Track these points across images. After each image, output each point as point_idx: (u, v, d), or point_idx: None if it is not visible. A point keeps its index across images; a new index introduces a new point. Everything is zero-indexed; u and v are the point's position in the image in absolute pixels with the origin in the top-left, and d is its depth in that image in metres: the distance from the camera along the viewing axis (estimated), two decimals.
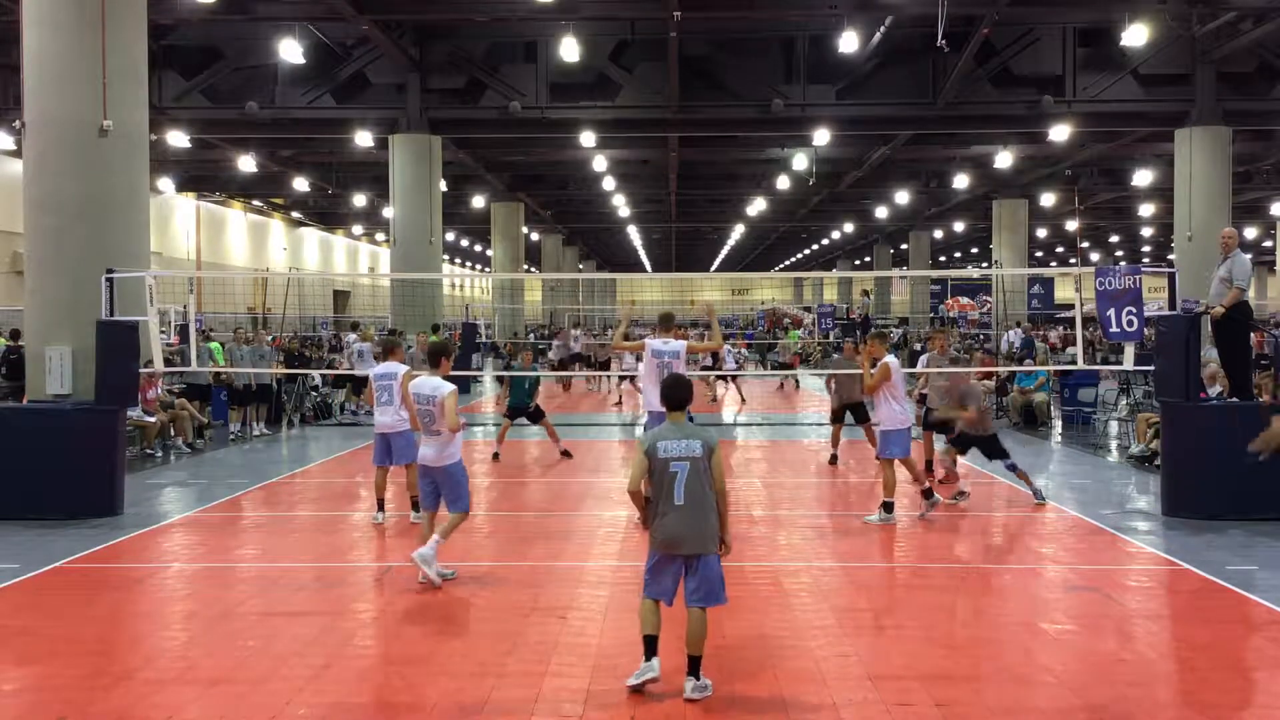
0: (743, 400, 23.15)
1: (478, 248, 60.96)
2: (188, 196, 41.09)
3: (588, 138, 25.15)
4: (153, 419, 14.96)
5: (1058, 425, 18.60)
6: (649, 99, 23.15)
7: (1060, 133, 24.27)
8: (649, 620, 5.68)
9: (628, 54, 23.08)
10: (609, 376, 26.58)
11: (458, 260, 70.76)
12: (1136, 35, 19.76)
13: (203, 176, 36.97)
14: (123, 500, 10.74)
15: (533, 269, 57.20)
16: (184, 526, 10.28)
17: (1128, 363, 12.20)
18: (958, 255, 69.84)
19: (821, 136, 25.07)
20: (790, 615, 7.17)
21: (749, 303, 69.32)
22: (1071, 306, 15.56)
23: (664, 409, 5.91)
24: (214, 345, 18.79)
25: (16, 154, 23.37)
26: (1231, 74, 22.67)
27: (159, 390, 15.48)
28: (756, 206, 41.97)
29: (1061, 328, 33.90)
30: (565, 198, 42.15)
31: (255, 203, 45.70)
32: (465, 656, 6.31)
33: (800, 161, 29.24)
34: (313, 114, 23.72)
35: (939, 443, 12.39)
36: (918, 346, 27.89)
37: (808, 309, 50.40)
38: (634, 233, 57.15)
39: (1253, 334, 14.89)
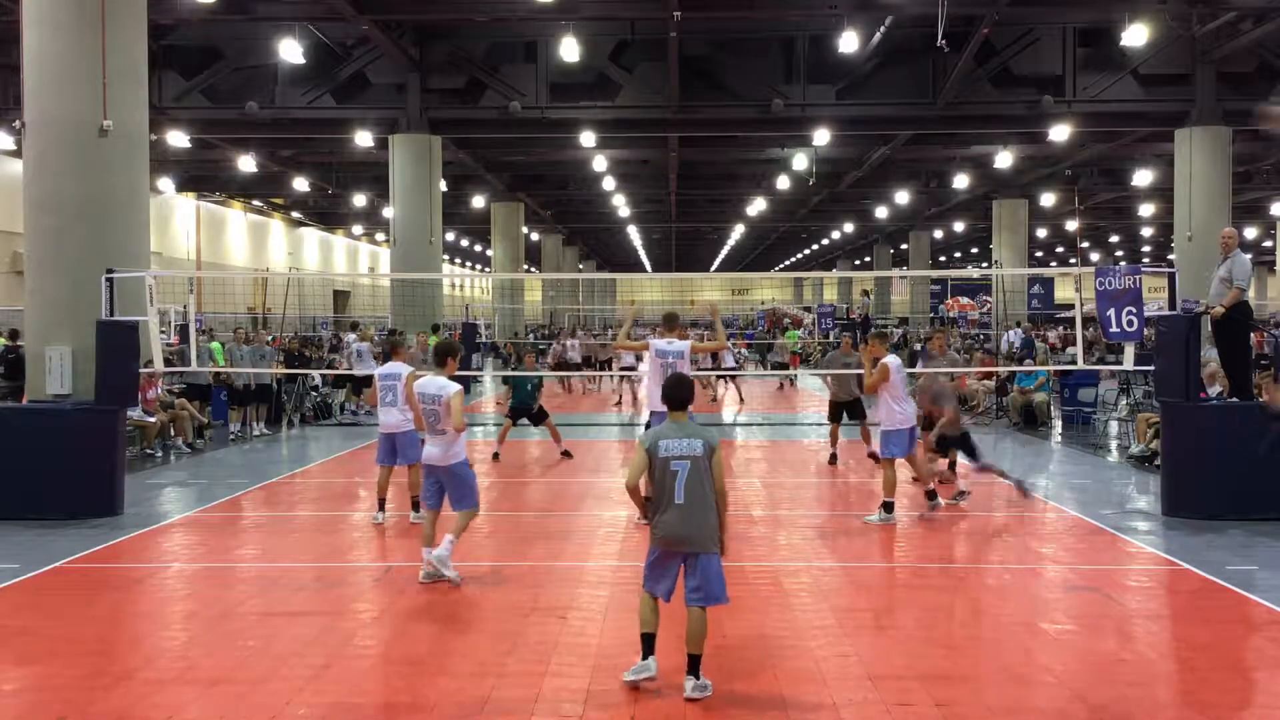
0: (741, 400, 23.20)
1: (478, 248, 60.96)
2: (188, 196, 41.09)
3: (588, 138, 25.15)
4: (153, 419, 14.96)
5: (1058, 425, 18.60)
6: (649, 99, 23.15)
7: (1060, 133, 24.27)
8: (647, 618, 5.72)
9: (628, 54, 23.08)
10: (611, 376, 26.58)
11: (458, 260, 70.75)
12: (1136, 35, 19.76)
13: (203, 176, 36.97)
14: (123, 500, 10.74)
15: (533, 269, 57.20)
16: (184, 526, 10.28)
17: (1128, 363, 12.21)
18: (958, 255, 69.84)
19: (821, 136, 25.07)
20: (790, 615, 7.17)
21: (749, 303, 69.33)
22: (1071, 306, 15.56)
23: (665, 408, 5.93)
24: (215, 345, 18.80)
25: (16, 154, 23.37)
26: (1231, 74, 22.66)
27: (159, 390, 15.48)
28: (756, 206, 41.97)
29: (1061, 328, 33.90)
30: (565, 198, 42.15)
31: (255, 203, 45.70)
32: (465, 656, 6.32)
33: (800, 161, 29.24)
34: (313, 114, 23.72)
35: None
36: (918, 346, 27.90)
37: (808, 309, 50.37)
38: (634, 233, 57.15)
39: (1253, 334, 14.88)
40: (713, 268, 75.37)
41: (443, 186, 27.27)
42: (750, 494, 12.02)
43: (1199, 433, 10.33)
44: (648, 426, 9.94)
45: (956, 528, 10.15)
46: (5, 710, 5.50)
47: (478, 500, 8.13)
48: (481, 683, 5.80)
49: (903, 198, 40.35)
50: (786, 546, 9.38)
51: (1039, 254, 63.44)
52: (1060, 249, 65.08)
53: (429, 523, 8.08)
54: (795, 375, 29.56)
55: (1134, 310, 10.59)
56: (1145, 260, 65.14)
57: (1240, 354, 11.37)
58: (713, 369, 22.38)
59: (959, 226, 49.19)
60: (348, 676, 5.98)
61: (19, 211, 13.32)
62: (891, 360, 10.19)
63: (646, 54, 22.83)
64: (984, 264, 57.97)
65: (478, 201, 39.12)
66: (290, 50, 20.52)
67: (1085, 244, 58.82)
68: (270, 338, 23.04)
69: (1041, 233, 51.97)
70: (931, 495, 10.51)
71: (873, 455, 14.06)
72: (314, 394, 20.43)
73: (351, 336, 24.05)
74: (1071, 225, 45.81)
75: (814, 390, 26.81)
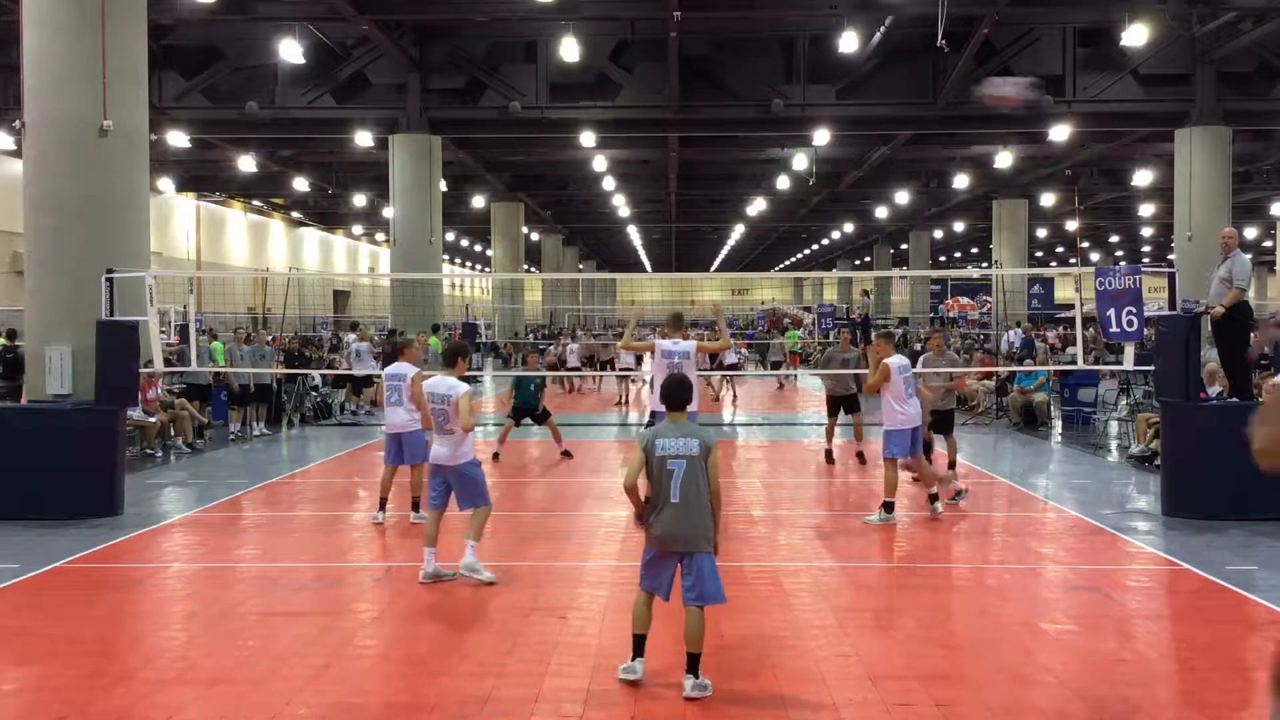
0: (735, 397, 23.31)
1: (478, 248, 60.96)
2: (188, 196, 41.09)
3: (588, 138, 25.15)
4: (153, 419, 14.96)
5: (1058, 425, 18.60)
6: (649, 99, 23.15)
7: (1060, 133, 24.28)
8: (640, 618, 5.75)
9: (628, 54, 23.08)
10: (615, 376, 26.57)
11: (458, 260, 70.75)
12: (1136, 35, 19.76)
13: (203, 176, 36.97)
14: (123, 500, 10.74)
15: (533, 269, 57.20)
16: (184, 526, 10.28)
17: (1128, 363, 12.21)
18: (958, 255, 69.85)
19: (821, 136, 25.07)
20: (790, 615, 7.17)
21: (749, 303, 69.36)
22: (1071, 306, 15.56)
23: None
24: (217, 345, 18.79)
25: (16, 154, 23.37)
26: (1231, 74, 22.67)
27: (159, 390, 15.48)
28: (756, 206, 41.97)
29: (1061, 328, 33.89)
30: (565, 198, 42.15)
31: (255, 203, 45.70)
32: (465, 656, 6.32)
33: (800, 161, 29.23)
34: (313, 114, 23.72)
35: (939, 444, 12.42)
36: (918, 346, 27.88)
37: (808, 309, 50.37)
38: (634, 233, 57.15)
39: (1252, 334, 14.87)
40: (713, 268, 75.38)
41: (443, 186, 27.28)
42: (750, 494, 12.02)
43: (1199, 433, 10.33)
44: (649, 425, 9.93)
45: (956, 528, 10.15)
46: (5, 710, 5.50)
47: (489, 497, 8.14)
48: (481, 682, 5.81)
49: (903, 198, 40.36)
50: (786, 546, 9.38)
51: (1039, 254, 63.45)
52: (1060, 249, 65.08)
53: (432, 522, 8.07)
54: (795, 375, 29.56)
55: (1134, 310, 10.60)
56: (1145, 260, 65.15)
57: (1240, 354, 11.37)
58: (713, 369, 22.42)
59: (959, 226, 49.19)
60: (348, 676, 5.98)
61: (19, 211, 13.32)
62: (894, 361, 10.19)
63: (646, 54, 22.84)
64: (984, 264, 57.98)
65: (478, 201, 39.12)
66: (290, 50, 20.52)
67: (1085, 244, 58.83)
68: (270, 338, 23.04)
69: (1041, 233, 51.98)
70: (934, 499, 10.51)
71: (859, 455, 14.10)
72: (314, 394, 20.44)
73: (351, 336, 24.06)
74: (1071, 225, 45.82)
75: (814, 390, 26.80)
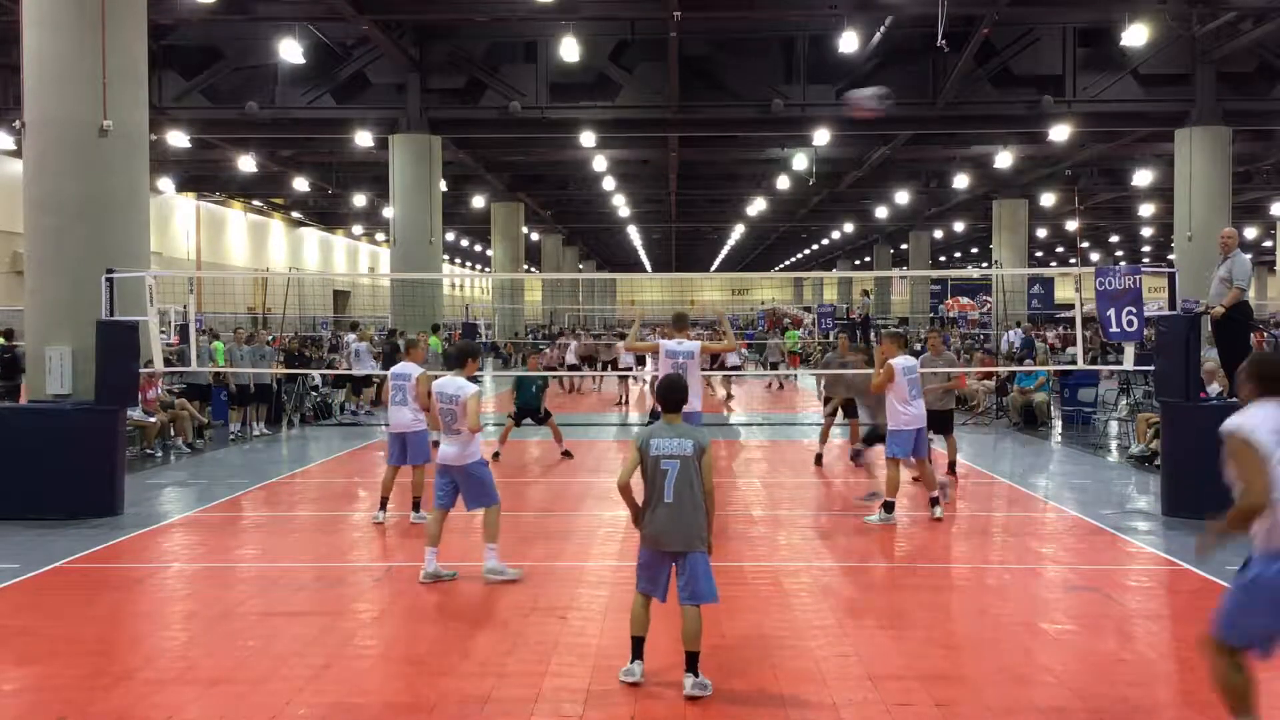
0: (729, 396, 23.37)
1: (478, 248, 60.97)
2: (188, 196, 41.09)
3: (588, 138, 25.15)
4: (153, 419, 14.96)
5: (1058, 425, 18.60)
6: (649, 99, 23.16)
7: (1060, 133, 24.28)
8: (638, 620, 5.76)
9: (628, 54, 23.09)
10: (615, 376, 26.56)
11: (458, 260, 70.76)
12: (1136, 35, 19.76)
13: (203, 176, 36.98)
14: (123, 500, 10.74)
15: (533, 269, 57.20)
16: (184, 526, 10.28)
17: (1128, 363, 12.20)
18: (958, 255, 69.85)
19: (821, 136, 25.08)
20: (790, 615, 7.17)
21: (749, 303, 69.36)
22: (1071, 306, 15.56)
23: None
24: (218, 345, 18.79)
25: (16, 154, 23.37)
26: (1231, 74, 22.68)
27: (159, 390, 15.48)
28: (756, 206, 41.97)
29: (1061, 327, 33.89)
30: (565, 198, 42.16)
31: (255, 203, 45.71)
32: (465, 656, 6.32)
33: (800, 161, 29.24)
34: (313, 114, 23.73)
35: (939, 443, 12.42)
36: (917, 346, 27.87)
37: (808, 309, 50.38)
38: (634, 233, 57.15)
39: (1252, 334, 14.88)
40: (713, 268, 75.37)
41: (443, 186, 27.28)
42: (750, 494, 12.02)
43: (1199, 433, 10.25)
44: (649, 423, 9.93)
45: (957, 528, 10.15)
46: (5, 710, 5.50)
47: (497, 495, 8.13)
48: (481, 682, 5.81)
49: (903, 198, 40.36)
50: (786, 546, 9.38)
51: (1039, 254, 63.45)
52: (1060, 249, 65.08)
53: (435, 522, 8.06)
54: (795, 375, 29.56)
55: (1134, 310, 10.60)
56: (1145, 260, 65.14)
57: (1240, 354, 11.35)
58: (713, 369, 22.42)
59: (959, 226, 49.20)
60: (348, 676, 5.98)
61: (19, 211, 13.32)
62: (899, 362, 10.16)
63: (646, 54, 22.84)
64: (984, 264, 57.97)
65: (478, 201, 39.13)
66: (290, 50, 20.52)
67: (1085, 244, 58.83)
68: (270, 338, 23.04)
69: (1041, 233, 51.98)
70: (935, 502, 10.50)
71: (854, 456, 14.07)
72: (314, 394, 20.43)
73: (351, 336, 24.06)
74: (1071, 225, 45.82)
75: (814, 390, 26.80)
